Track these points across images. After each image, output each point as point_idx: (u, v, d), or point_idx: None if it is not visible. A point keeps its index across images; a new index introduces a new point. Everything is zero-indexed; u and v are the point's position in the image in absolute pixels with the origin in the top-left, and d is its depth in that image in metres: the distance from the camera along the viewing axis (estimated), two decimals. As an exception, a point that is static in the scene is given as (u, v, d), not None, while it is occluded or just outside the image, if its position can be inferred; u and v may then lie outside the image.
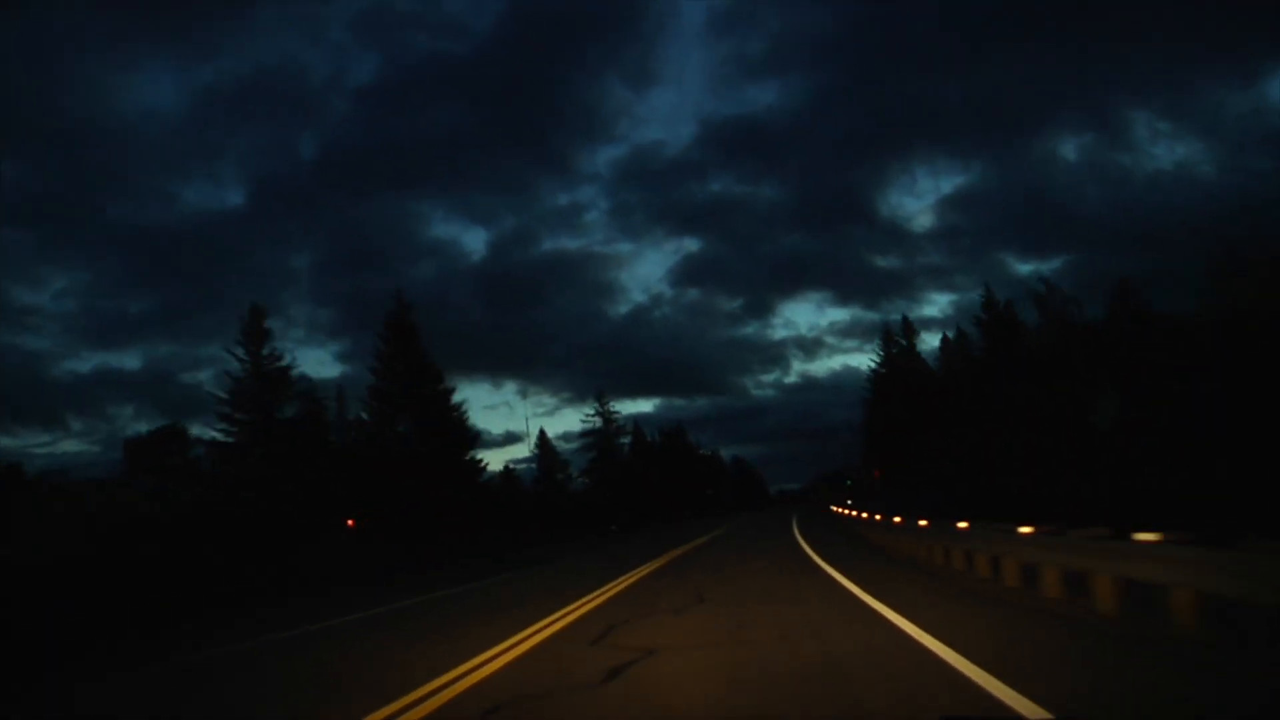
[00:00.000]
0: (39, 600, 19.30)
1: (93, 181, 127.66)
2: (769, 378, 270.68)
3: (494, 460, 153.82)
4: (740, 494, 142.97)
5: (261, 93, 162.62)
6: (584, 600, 12.65)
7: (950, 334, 56.16)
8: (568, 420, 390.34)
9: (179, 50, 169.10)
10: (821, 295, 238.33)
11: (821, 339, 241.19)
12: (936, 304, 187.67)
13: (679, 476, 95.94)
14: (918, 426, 46.59)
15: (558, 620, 10.57)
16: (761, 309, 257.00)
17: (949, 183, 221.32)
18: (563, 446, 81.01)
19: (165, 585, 22.01)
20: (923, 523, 16.05)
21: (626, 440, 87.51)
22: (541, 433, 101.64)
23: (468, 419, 46.31)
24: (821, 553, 19.34)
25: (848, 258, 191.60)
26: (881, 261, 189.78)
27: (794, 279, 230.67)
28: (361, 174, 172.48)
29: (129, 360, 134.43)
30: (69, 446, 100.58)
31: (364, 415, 44.08)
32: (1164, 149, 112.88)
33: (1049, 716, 4.65)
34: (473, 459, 47.39)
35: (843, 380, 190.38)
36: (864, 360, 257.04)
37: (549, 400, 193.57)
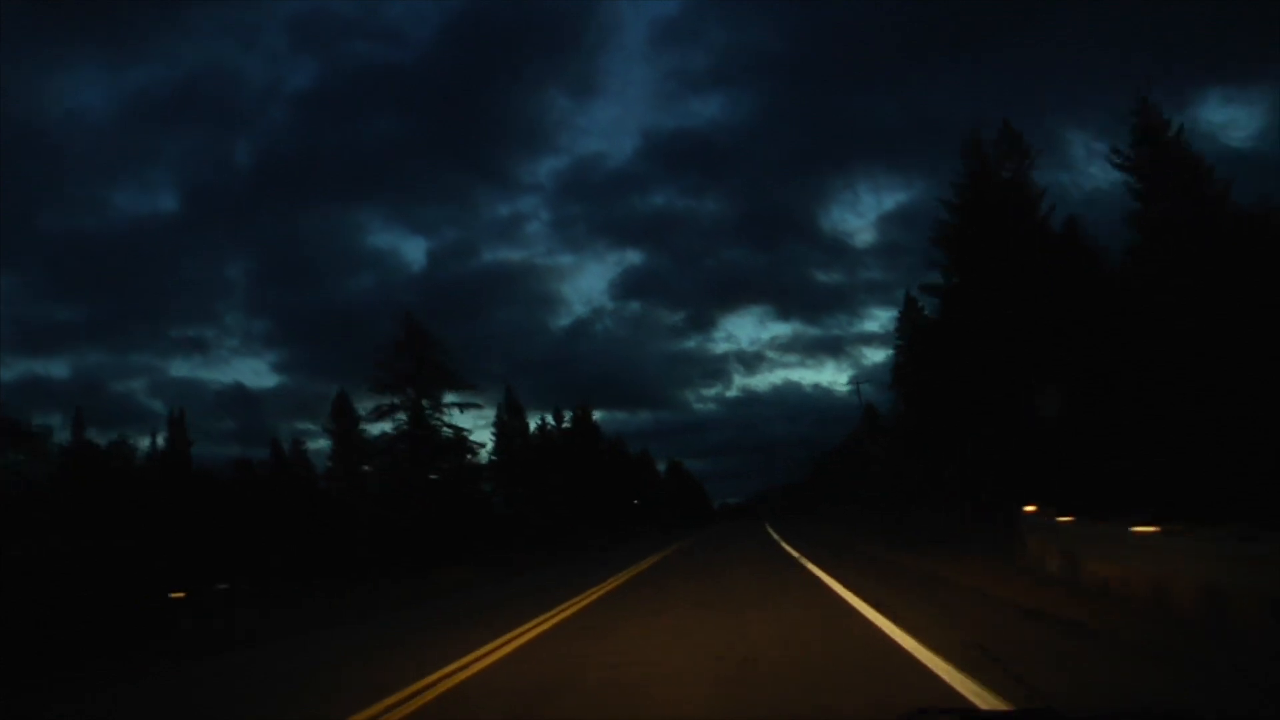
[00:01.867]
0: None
1: (20, 186, 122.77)
2: (710, 392, 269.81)
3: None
4: (679, 507, 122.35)
5: (195, 98, 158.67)
6: None
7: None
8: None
9: (109, 54, 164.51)
10: (763, 309, 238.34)
11: (763, 353, 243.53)
12: (878, 319, 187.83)
13: (590, 479, 66.28)
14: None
15: None
16: (703, 322, 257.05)
17: (891, 199, 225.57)
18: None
19: None
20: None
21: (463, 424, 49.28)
22: (339, 398, 49.09)
23: None
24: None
25: (790, 272, 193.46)
26: (823, 276, 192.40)
27: (736, 293, 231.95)
28: (299, 182, 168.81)
29: (56, 369, 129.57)
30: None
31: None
32: (1100, 168, 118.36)
33: (1018, 708, 4.57)
34: None
35: (784, 395, 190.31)
36: (806, 375, 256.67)
37: (488, 413, 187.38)
